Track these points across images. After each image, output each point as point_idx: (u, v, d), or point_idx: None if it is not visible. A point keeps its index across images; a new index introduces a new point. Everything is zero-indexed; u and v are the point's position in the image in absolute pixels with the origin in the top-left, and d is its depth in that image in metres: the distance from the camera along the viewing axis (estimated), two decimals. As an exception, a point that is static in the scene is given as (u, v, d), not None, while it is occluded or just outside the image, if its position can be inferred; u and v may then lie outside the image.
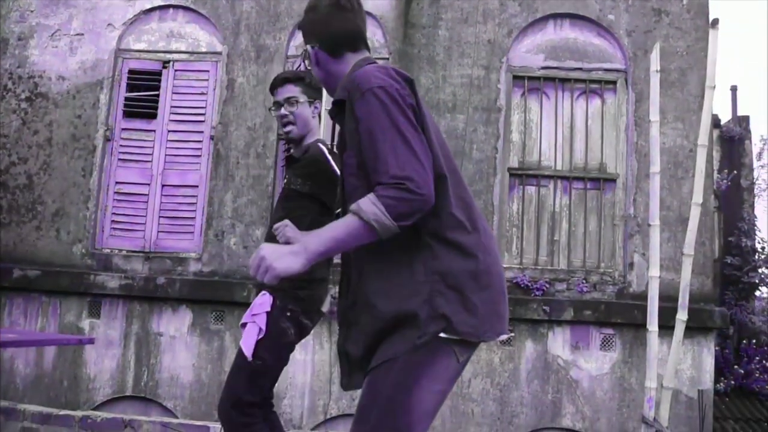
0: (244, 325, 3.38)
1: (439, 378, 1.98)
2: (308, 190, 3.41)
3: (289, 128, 3.58)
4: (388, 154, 1.92)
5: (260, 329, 3.27)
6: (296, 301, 3.33)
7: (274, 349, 3.32)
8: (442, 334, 1.95)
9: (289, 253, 1.92)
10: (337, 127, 2.25)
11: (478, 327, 1.98)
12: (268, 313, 3.30)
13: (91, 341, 3.35)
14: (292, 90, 3.57)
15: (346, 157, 2.11)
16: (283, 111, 3.56)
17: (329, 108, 2.23)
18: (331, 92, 2.32)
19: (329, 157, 3.45)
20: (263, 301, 3.34)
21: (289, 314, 3.31)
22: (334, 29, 2.26)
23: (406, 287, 1.99)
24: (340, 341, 2.16)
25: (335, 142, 2.26)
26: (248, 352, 3.26)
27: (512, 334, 1.95)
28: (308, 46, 2.30)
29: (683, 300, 5.53)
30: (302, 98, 3.55)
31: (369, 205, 1.88)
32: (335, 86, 2.28)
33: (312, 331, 3.59)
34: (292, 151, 3.69)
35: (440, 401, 2.03)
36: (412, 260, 2.00)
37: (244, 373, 3.31)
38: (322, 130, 3.78)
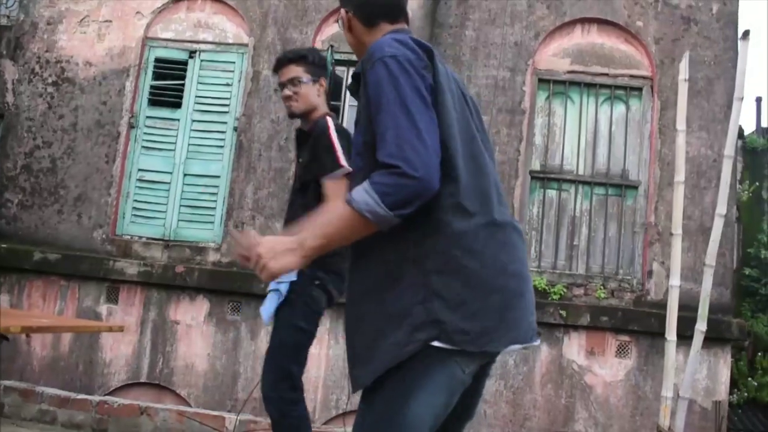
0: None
1: (438, 391, 1.78)
2: (309, 162, 3.40)
3: (288, 104, 3.56)
4: (387, 130, 1.74)
5: (279, 294, 3.29)
6: (325, 270, 3.33)
7: (310, 318, 3.35)
8: (435, 343, 1.74)
9: (285, 250, 1.79)
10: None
11: (478, 336, 1.76)
12: (294, 282, 3.30)
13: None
14: (295, 70, 3.54)
15: (354, 135, 1.95)
16: (287, 91, 3.55)
17: (349, 83, 2.08)
18: None
19: (333, 133, 3.40)
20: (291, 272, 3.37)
21: (317, 282, 3.32)
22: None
23: (400, 286, 1.79)
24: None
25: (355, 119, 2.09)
26: (266, 317, 3.30)
27: (536, 343, 1.71)
28: (343, 10, 2.11)
29: (703, 310, 5.51)
30: (305, 77, 3.53)
31: (362, 194, 1.72)
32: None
33: (326, 326, 3.61)
34: (301, 124, 3.66)
35: (442, 413, 1.83)
36: (409, 254, 1.80)
37: (288, 347, 3.34)
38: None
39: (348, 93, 7.08)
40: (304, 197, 3.44)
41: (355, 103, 2.03)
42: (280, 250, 1.80)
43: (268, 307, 3.33)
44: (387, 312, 1.80)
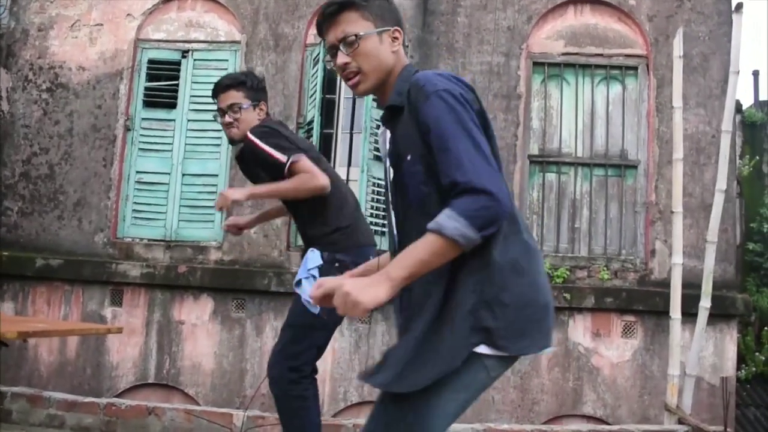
0: (298, 283, 3.43)
1: (464, 389, 1.92)
2: (264, 175, 3.45)
3: (228, 131, 3.58)
4: (462, 159, 1.84)
5: (315, 280, 3.32)
6: (342, 251, 3.38)
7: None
8: (481, 349, 1.87)
9: (370, 284, 1.82)
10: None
11: (519, 342, 1.91)
12: (320, 267, 3.37)
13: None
14: (233, 96, 3.55)
15: (407, 165, 1.99)
16: (227, 118, 3.56)
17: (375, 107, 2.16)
18: (371, 90, 2.15)
19: (258, 140, 3.44)
20: (314, 256, 3.41)
21: (338, 265, 3.34)
22: (401, 19, 2.15)
23: (454, 295, 1.90)
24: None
25: (384, 149, 2.16)
26: (313, 306, 3.30)
27: (555, 348, 1.90)
28: (390, 28, 2.09)
29: (707, 287, 5.52)
30: (245, 103, 3.54)
31: (448, 221, 1.79)
32: (382, 81, 2.10)
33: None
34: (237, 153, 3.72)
35: (462, 409, 1.96)
36: (463, 268, 1.90)
37: (301, 327, 3.36)
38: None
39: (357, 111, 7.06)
40: (303, 218, 3.53)
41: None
42: (367, 284, 1.83)
43: (306, 292, 3.36)
44: (441, 319, 1.90)
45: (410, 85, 1.99)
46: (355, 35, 2.05)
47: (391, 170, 2.09)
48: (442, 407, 1.90)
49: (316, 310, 3.28)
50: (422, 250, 1.82)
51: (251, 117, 3.56)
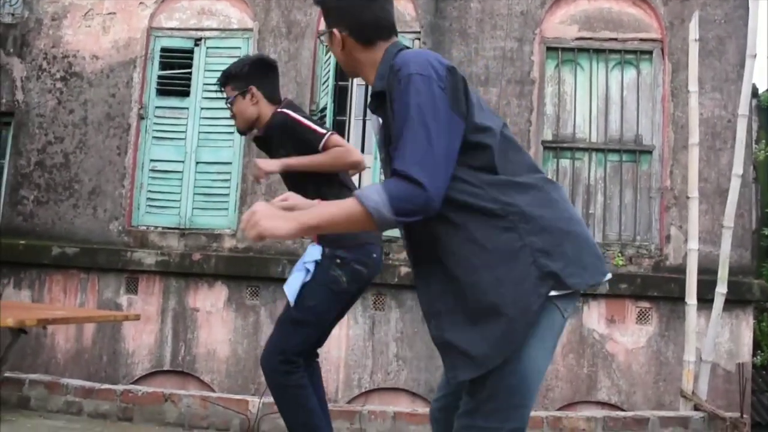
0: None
1: (547, 336, 1.95)
2: (292, 152, 3.41)
3: (235, 123, 3.69)
4: (407, 144, 1.85)
5: (307, 272, 3.33)
6: (344, 248, 3.34)
7: (324, 298, 3.36)
8: (553, 293, 1.90)
9: (280, 216, 1.88)
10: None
11: (584, 275, 1.94)
12: (317, 262, 3.34)
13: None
14: (227, 92, 3.63)
15: (392, 150, 1.99)
16: (230, 113, 3.66)
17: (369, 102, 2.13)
18: (352, 75, 2.26)
19: (294, 114, 3.46)
20: (313, 251, 3.39)
21: (338, 261, 3.33)
22: (366, 18, 2.12)
23: (507, 254, 1.91)
24: (437, 333, 2.03)
25: (377, 138, 2.18)
26: (291, 296, 3.32)
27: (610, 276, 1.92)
28: (334, 30, 2.15)
29: (723, 273, 5.48)
30: (232, 95, 3.58)
31: (374, 193, 1.83)
32: (363, 74, 2.18)
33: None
34: (255, 131, 3.72)
35: (551, 357, 2.02)
36: (501, 226, 1.92)
37: (293, 323, 3.36)
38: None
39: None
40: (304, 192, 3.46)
41: (363, 82, 2.07)
42: (277, 214, 1.89)
43: (292, 284, 3.36)
44: (500, 280, 1.90)
45: (390, 69, 1.99)
46: None
47: (385, 158, 2.09)
48: (535, 360, 1.93)
49: (291, 300, 3.31)
50: (339, 209, 1.87)
51: (243, 105, 3.58)
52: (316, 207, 1.95)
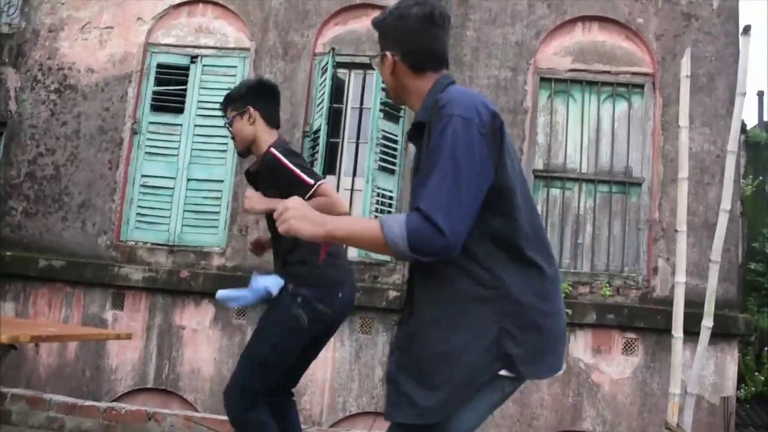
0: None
1: (482, 407, 2.01)
2: (278, 195, 3.37)
3: (234, 144, 3.74)
4: (436, 186, 1.85)
5: (255, 294, 3.38)
6: (308, 286, 3.33)
7: (284, 337, 3.33)
8: (503, 372, 1.93)
9: (310, 220, 1.93)
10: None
11: (536, 368, 1.97)
12: (279, 298, 3.36)
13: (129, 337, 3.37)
14: (227, 115, 3.68)
15: (418, 185, 2.01)
16: (230, 133, 3.71)
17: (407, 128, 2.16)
18: (398, 102, 2.26)
19: (284, 158, 3.46)
20: (276, 281, 3.39)
21: (300, 300, 3.31)
22: (422, 44, 2.13)
23: (474, 323, 1.94)
24: (391, 369, 2.06)
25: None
26: (220, 296, 3.45)
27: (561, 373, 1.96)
28: (388, 53, 2.16)
29: (709, 307, 5.49)
30: (230, 117, 3.64)
31: (395, 224, 1.85)
32: (408, 102, 2.18)
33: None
34: (249, 167, 3.77)
35: (477, 426, 2.06)
36: (483, 296, 1.94)
37: (252, 360, 3.35)
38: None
39: (353, 101, 7.08)
40: (286, 242, 3.44)
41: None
42: (309, 216, 1.94)
43: (231, 293, 3.38)
44: (459, 346, 1.93)
45: (435, 103, 1.99)
46: None
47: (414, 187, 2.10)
48: (461, 425, 1.98)
49: (233, 306, 3.35)
50: (363, 230, 1.91)
51: (240, 126, 3.63)
52: (343, 219, 1.98)
